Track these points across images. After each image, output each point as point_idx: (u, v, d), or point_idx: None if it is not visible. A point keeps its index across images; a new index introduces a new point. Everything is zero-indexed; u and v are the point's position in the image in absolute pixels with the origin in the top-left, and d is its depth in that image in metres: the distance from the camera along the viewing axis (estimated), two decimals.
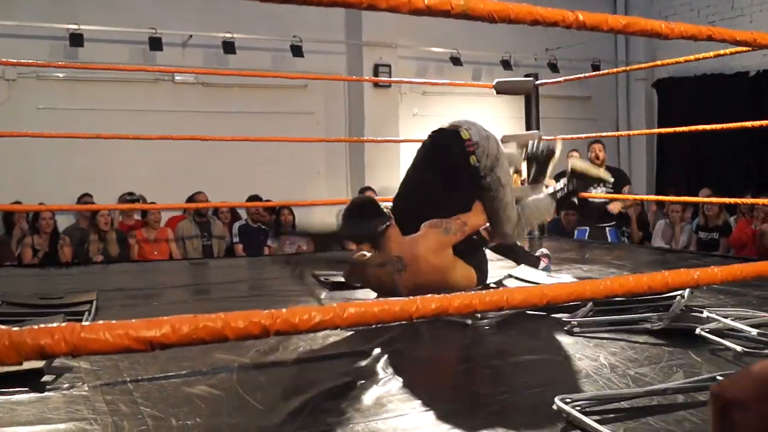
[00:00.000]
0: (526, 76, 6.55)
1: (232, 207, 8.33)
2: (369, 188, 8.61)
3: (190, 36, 8.50)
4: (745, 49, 4.68)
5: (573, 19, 1.32)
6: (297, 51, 8.77)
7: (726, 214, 7.99)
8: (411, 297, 1.11)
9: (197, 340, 0.96)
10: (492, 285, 3.74)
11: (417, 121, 10.02)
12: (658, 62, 5.44)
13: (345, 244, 4.56)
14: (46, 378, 2.25)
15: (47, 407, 2.00)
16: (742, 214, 7.82)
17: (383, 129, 8.99)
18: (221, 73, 7.87)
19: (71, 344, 0.89)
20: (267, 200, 8.16)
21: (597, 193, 7.39)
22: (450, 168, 3.55)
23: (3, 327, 0.89)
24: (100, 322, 0.94)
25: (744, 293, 3.70)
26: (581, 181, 4.21)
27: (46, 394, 2.13)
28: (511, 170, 4.03)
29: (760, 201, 6.27)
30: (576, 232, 7.71)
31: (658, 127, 10.93)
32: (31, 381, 2.20)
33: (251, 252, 7.87)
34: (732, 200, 5.57)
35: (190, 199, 7.98)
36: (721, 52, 4.76)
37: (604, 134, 9.91)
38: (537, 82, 6.22)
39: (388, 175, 9.48)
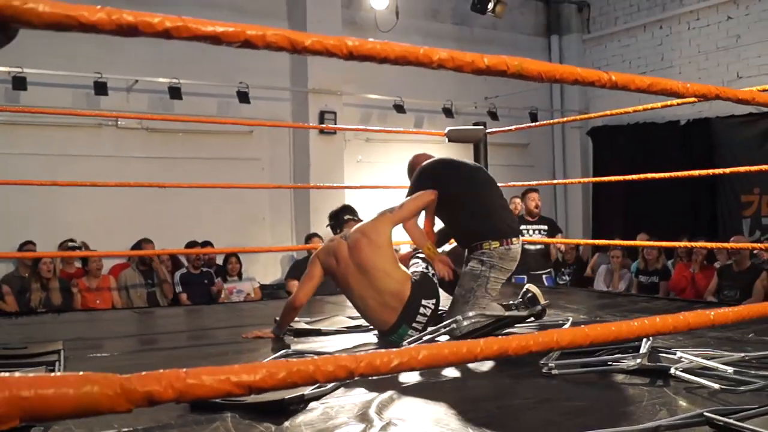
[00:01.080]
0: (474, 124, 6.73)
1: (173, 254, 8.21)
2: (315, 234, 8.62)
3: (136, 81, 8.44)
4: (675, 102, 4.95)
5: (607, 79, 1.40)
6: (243, 97, 8.78)
7: (664, 258, 8.27)
8: (473, 339, 1.17)
9: (291, 383, 0.99)
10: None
11: (361, 167, 10.12)
12: (608, 112, 5.62)
13: None
14: (34, 431, 2.19)
15: None
16: (680, 258, 8.10)
17: (328, 175, 9.04)
18: (166, 119, 7.79)
19: (178, 390, 0.90)
20: (209, 246, 8.10)
21: (535, 238, 7.63)
22: None
23: (112, 374, 0.89)
24: (199, 368, 0.96)
25: (700, 334, 3.85)
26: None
27: None
28: None
29: (698, 244, 6.51)
30: (514, 279, 7.82)
31: (594, 174, 11.29)
32: None
33: (196, 300, 7.76)
34: (670, 244, 5.78)
35: (136, 247, 7.84)
36: (650, 105, 5.02)
37: (543, 182, 10.21)
38: (486, 131, 6.37)
39: None
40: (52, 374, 0.87)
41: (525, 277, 7.25)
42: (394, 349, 1.11)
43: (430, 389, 2.76)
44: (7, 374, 0.83)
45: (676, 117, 10.19)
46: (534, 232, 7.88)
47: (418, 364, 1.10)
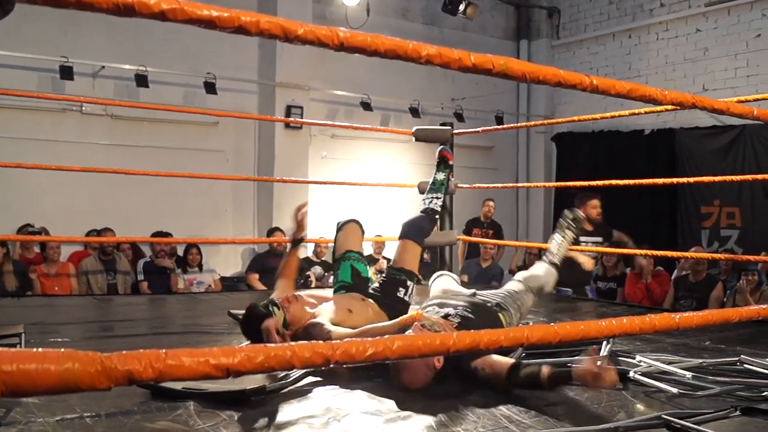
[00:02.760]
0: (441, 124, 6.75)
1: (134, 243, 8.12)
2: (277, 228, 8.60)
3: (102, 67, 8.33)
4: (641, 110, 5.03)
5: (588, 82, 1.43)
6: (210, 88, 8.71)
7: (623, 266, 8.36)
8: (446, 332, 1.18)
9: (268, 368, 0.99)
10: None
11: (325, 163, 10.12)
12: (575, 118, 5.70)
13: None
14: None
15: None
16: (632, 269, 8.17)
17: (293, 170, 9.02)
18: (131, 105, 7.65)
19: (158, 370, 0.90)
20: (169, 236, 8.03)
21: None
22: None
23: (93, 352, 0.89)
24: (180, 349, 0.96)
25: (657, 340, 3.92)
26: None
27: (2, 428, 2.05)
28: None
29: (659, 253, 6.61)
30: (559, 290, 7.69)
31: (557, 179, 11.39)
32: None
33: (156, 289, 7.69)
34: (629, 251, 5.85)
35: (97, 234, 7.75)
36: (617, 113, 5.11)
37: (515, 185, 10.31)
38: (453, 132, 6.40)
39: None
40: (34, 350, 0.86)
41: (570, 289, 7.06)
42: (369, 339, 1.11)
43: (391, 385, 2.76)
44: None
45: (641, 126, 10.33)
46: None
47: (392, 354, 1.11)
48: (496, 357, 2.76)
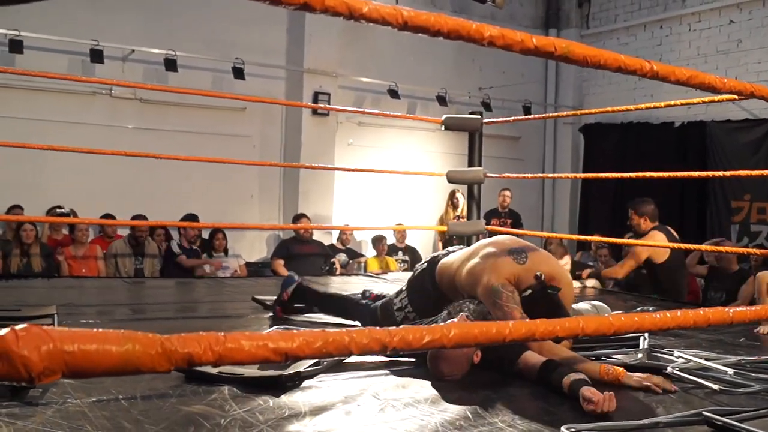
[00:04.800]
0: (471, 113, 6.70)
1: (164, 226, 8.14)
2: (303, 215, 8.59)
3: (132, 50, 8.35)
4: (672, 102, 4.96)
5: (648, 68, 1.39)
6: (238, 73, 8.71)
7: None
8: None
9: (326, 353, 0.97)
10: None
11: (351, 150, 10.09)
12: (606, 109, 5.62)
13: None
14: (33, 392, 2.16)
15: (48, 422, 1.93)
16: None
17: (319, 157, 8.99)
18: (160, 89, 7.57)
19: (217, 353, 0.88)
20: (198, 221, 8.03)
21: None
22: None
23: (153, 334, 0.87)
24: (237, 332, 0.93)
25: (691, 335, 3.86)
26: None
27: (39, 407, 2.05)
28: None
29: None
30: None
31: (584, 171, 11.28)
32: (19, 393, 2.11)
33: (183, 273, 7.70)
34: (646, 244, 5.76)
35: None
36: (644, 105, 5.03)
37: (546, 176, 10.23)
38: (483, 121, 6.35)
39: (322, 203, 9.50)
40: (94, 330, 0.84)
41: None
42: (425, 326, 1.09)
43: (426, 373, 2.75)
44: (49, 327, 0.80)
45: (671, 119, 10.19)
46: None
47: (449, 342, 1.09)
48: (533, 355, 2.74)
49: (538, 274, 2.93)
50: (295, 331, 0.98)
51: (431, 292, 3.39)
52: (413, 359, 2.96)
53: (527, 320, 1.31)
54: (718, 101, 4.75)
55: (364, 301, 3.83)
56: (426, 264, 3.51)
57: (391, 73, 10.05)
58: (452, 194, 9.47)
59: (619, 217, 10.53)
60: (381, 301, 3.72)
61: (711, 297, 6.92)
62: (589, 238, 7.54)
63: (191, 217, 7.96)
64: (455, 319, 2.89)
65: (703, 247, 5.91)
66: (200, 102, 8.56)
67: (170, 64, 8.31)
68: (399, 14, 1.10)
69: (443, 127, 6.42)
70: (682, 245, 5.68)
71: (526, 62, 11.31)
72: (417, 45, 10.05)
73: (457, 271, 3.21)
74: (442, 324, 1.14)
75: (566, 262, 6.59)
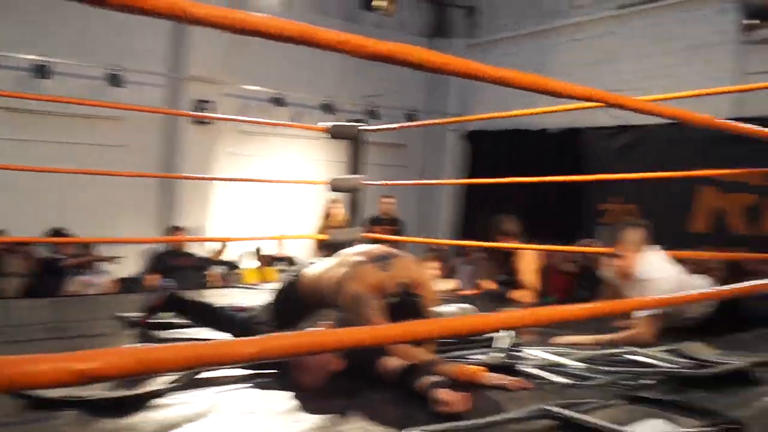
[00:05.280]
0: (354, 121, 6.72)
1: (31, 243, 7.76)
2: (179, 228, 8.36)
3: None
4: (552, 108, 5.12)
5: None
6: (115, 80, 8.44)
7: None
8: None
9: (137, 372, 0.92)
10: None
11: (235, 160, 9.94)
12: (485, 116, 5.72)
13: None
14: None
15: None
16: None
17: (200, 167, 8.80)
18: (24, 97, 7.11)
19: (7, 377, 0.83)
20: (72, 235, 7.70)
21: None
22: None
23: None
24: (35, 354, 0.88)
25: (546, 333, 3.95)
26: None
27: None
28: None
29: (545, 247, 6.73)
30: None
31: (469, 178, 11.47)
32: None
33: (51, 290, 7.34)
34: (531, 247, 5.92)
35: None
36: (528, 111, 5.18)
37: (429, 182, 10.33)
38: (365, 128, 6.37)
39: (201, 214, 9.30)
40: None
41: None
42: (286, 334, 1.08)
43: (287, 384, 2.72)
44: None
45: (549, 126, 10.50)
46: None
47: (309, 349, 1.07)
48: (394, 360, 2.75)
49: (403, 281, 2.96)
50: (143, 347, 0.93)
51: (295, 303, 3.35)
52: (275, 370, 2.92)
53: (390, 324, 1.30)
54: (593, 107, 4.91)
55: (232, 313, 3.76)
56: (290, 275, 3.48)
57: (276, 82, 9.99)
58: (331, 202, 9.35)
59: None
60: (248, 313, 3.67)
61: (581, 295, 7.13)
62: (468, 243, 7.67)
63: (58, 233, 7.63)
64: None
65: (570, 248, 6.10)
66: (75, 111, 8.21)
67: (42, 71, 7.98)
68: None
69: (330, 135, 6.39)
70: (554, 247, 5.84)
71: (412, 71, 11.34)
72: (303, 53, 9.95)
73: (321, 281, 3.19)
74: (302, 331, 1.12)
75: (436, 268, 6.67)
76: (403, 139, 11.69)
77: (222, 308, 3.89)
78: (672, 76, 9.20)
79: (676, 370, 2.80)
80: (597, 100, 1.77)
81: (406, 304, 2.90)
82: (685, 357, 2.94)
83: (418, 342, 2.83)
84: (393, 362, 2.73)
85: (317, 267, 3.32)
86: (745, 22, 8.28)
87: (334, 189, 6.24)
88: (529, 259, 6.31)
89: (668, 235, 8.86)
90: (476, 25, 12.07)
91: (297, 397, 2.58)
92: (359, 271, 3.02)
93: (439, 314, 3.47)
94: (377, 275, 3.00)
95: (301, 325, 3.13)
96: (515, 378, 2.72)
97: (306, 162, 10.56)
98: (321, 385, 2.70)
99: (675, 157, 9.03)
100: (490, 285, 6.45)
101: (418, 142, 12.08)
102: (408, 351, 2.79)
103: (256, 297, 4.99)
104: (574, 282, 7.54)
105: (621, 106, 1.83)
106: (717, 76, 8.36)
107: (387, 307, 2.91)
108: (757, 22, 8.17)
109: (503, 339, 3.37)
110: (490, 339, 3.40)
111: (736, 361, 2.87)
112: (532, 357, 3.05)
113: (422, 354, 2.87)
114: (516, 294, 6.09)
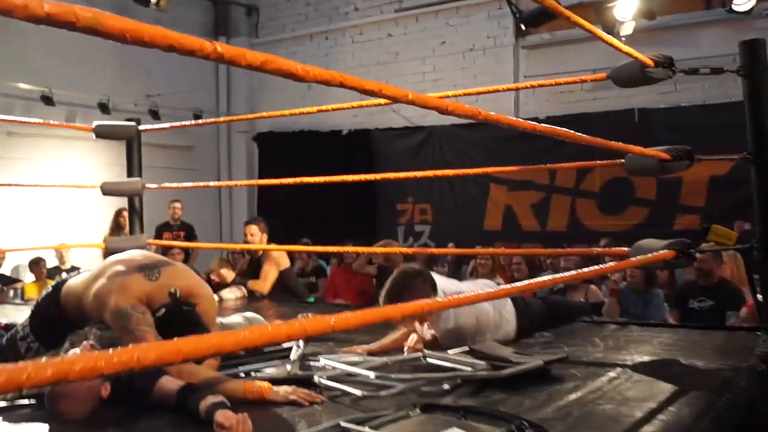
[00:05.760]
0: (127, 120, 6.24)
1: None
2: None
3: None
4: (342, 105, 5.01)
5: (212, 49, 1.20)
6: None
7: (317, 260, 8.43)
8: None
9: None
10: None
11: (2, 164, 9.07)
12: (266, 114, 5.50)
13: None
14: None
15: None
16: (339, 261, 8.23)
17: None
18: None
19: None
20: None
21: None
22: None
23: None
24: None
25: (350, 339, 3.81)
26: None
27: None
28: None
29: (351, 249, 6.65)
30: None
31: (259, 179, 11.24)
32: None
33: None
34: (330, 249, 5.79)
35: None
36: (315, 109, 5.03)
37: (208, 184, 9.92)
38: (140, 128, 5.93)
39: None
40: None
41: None
42: (45, 360, 0.93)
43: (46, 415, 2.36)
44: None
45: (339, 127, 10.48)
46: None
47: (71, 376, 0.93)
48: (171, 381, 2.46)
49: (173, 290, 2.67)
50: None
51: (57, 319, 2.96)
52: (31, 400, 2.54)
53: (160, 342, 1.09)
54: (382, 105, 4.84)
55: None
56: (51, 288, 3.08)
57: (46, 78, 9.22)
58: (119, 212, 8.76)
59: (293, 226, 10.62)
60: (11, 332, 3.23)
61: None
62: (269, 247, 7.41)
63: None
64: (77, 350, 2.53)
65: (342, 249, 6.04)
66: None
67: None
68: None
69: (94, 136, 5.89)
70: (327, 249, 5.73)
71: (197, 69, 11.02)
72: (76, 48, 9.36)
73: (84, 294, 2.84)
74: (64, 356, 0.95)
75: (228, 275, 6.36)
76: (191, 141, 11.24)
77: None
78: (451, 79, 9.49)
79: (474, 372, 2.72)
80: (387, 97, 1.63)
81: (179, 315, 2.63)
82: (482, 357, 2.87)
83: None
84: (169, 384, 2.44)
85: (80, 278, 2.96)
86: (520, 27, 8.63)
87: (106, 193, 5.75)
88: (271, 261, 6.30)
89: (465, 233, 9.25)
90: (259, 24, 11.85)
91: (56, 430, 2.24)
92: (125, 282, 2.71)
93: (223, 326, 3.21)
94: (143, 285, 2.71)
95: (65, 346, 2.75)
96: (307, 391, 2.52)
97: (86, 165, 9.80)
98: (84, 414, 2.37)
99: (465, 156, 9.33)
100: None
101: (206, 145, 11.66)
102: (185, 370, 2.52)
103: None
104: (374, 284, 7.45)
105: (413, 103, 1.71)
106: (495, 80, 8.69)
107: (158, 321, 2.62)
108: (526, 28, 8.54)
109: (295, 350, 3.17)
110: (287, 349, 3.19)
111: (532, 358, 2.83)
112: (327, 367, 2.86)
113: (203, 372, 2.61)
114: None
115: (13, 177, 8.64)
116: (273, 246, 6.63)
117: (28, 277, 8.67)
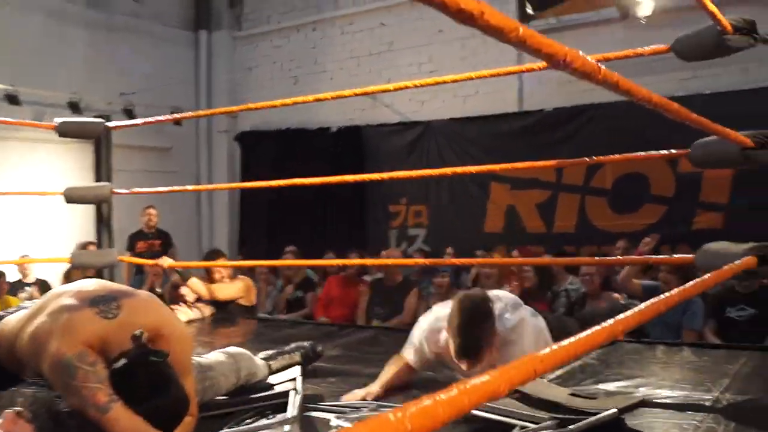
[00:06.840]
0: (103, 119, 5.56)
1: None
2: None
3: None
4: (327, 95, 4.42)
5: None
6: None
7: (305, 271, 7.68)
8: None
9: None
10: None
11: None
12: (245, 107, 4.88)
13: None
14: None
15: None
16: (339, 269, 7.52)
17: None
18: None
19: None
20: None
21: None
22: None
23: None
24: None
25: (345, 371, 3.20)
26: None
27: None
28: None
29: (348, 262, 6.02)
30: None
31: (242, 181, 10.60)
32: None
33: None
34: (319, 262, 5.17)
35: None
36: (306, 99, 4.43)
37: (185, 188, 9.26)
38: (109, 124, 5.27)
39: None
40: None
41: None
42: None
43: None
44: None
45: (327, 124, 9.84)
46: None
47: None
48: None
49: (137, 333, 2.00)
50: None
51: None
52: None
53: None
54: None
55: None
56: None
57: (11, 76, 8.55)
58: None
59: (276, 231, 9.97)
60: None
61: (376, 313, 6.38)
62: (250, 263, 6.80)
63: None
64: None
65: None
66: None
67: None
68: None
69: (58, 134, 5.22)
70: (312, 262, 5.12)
71: (174, 66, 10.39)
72: (44, 43, 8.69)
73: (18, 336, 2.16)
74: None
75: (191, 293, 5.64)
76: (169, 142, 10.56)
77: None
78: (449, 70, 8.84)
79: (539, 429, 2.10)
80: None
81: (145, 368, 1.96)
82: (535, 403, 2.24)
83: None
84: None
85: (17, 315, 2.28)
86: (524, 12, 8.08)
87: (70, 200, 5.08)
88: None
89: (464, 236, 8.60)
90: (242, 16, 11.19)
91: None
92: (71, 321, 2.04)
93: (201, 366, 2.55)
94: (96, 325, 2.04)
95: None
96: None
97: (56, 170, 9.07)
98: None
99: (463, 153, 8.70)
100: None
101: (185, 145, 10.98)
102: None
103: None
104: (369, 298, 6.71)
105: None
106: (498, 66, 8.08)
107: (116, 373, 1.96)
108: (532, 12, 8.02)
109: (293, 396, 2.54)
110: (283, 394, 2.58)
111: (597, 402, 2.22)
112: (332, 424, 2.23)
113: None
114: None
115: None
116: (259, 262, 6.02)
117: None
